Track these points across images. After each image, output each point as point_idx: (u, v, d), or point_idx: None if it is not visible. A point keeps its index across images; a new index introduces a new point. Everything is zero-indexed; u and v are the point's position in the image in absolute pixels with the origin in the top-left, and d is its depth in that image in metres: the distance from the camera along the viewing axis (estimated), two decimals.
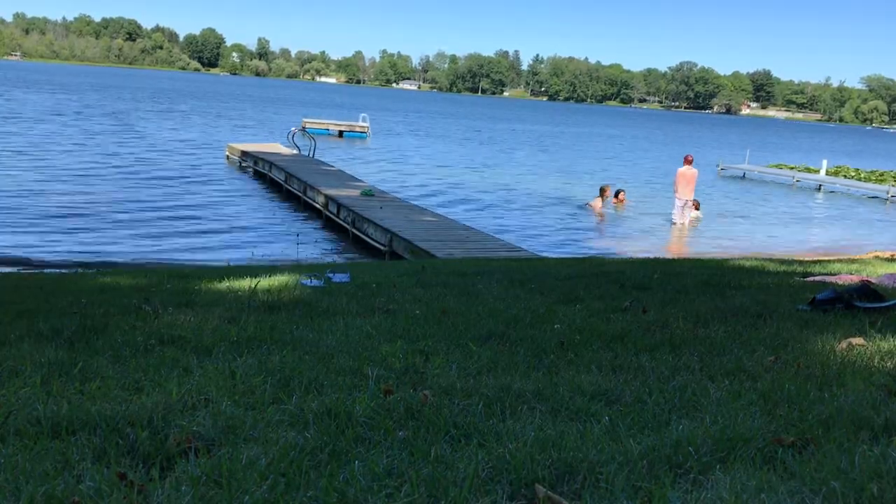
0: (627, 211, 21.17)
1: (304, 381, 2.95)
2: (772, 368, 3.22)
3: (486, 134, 53.77)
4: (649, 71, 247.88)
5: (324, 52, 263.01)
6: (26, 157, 22.82)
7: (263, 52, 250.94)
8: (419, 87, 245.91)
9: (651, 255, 11.91)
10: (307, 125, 36.55)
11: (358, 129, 41.56)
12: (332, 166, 22.47)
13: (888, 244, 16.34)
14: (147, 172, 21.67)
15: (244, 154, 24.55)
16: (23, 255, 11.34)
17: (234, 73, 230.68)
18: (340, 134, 40.48)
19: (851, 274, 6.78)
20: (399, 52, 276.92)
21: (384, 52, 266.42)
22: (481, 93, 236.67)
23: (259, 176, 22.26)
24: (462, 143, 43.08)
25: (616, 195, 22.19)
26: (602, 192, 21.42)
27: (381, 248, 12.71)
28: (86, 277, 7.22)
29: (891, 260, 9.92)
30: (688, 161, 19.14)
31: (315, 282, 6.09)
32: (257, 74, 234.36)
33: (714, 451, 2.21)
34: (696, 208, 20.52)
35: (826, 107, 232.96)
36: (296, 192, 18.44)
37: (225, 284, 5.93)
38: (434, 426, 2.43)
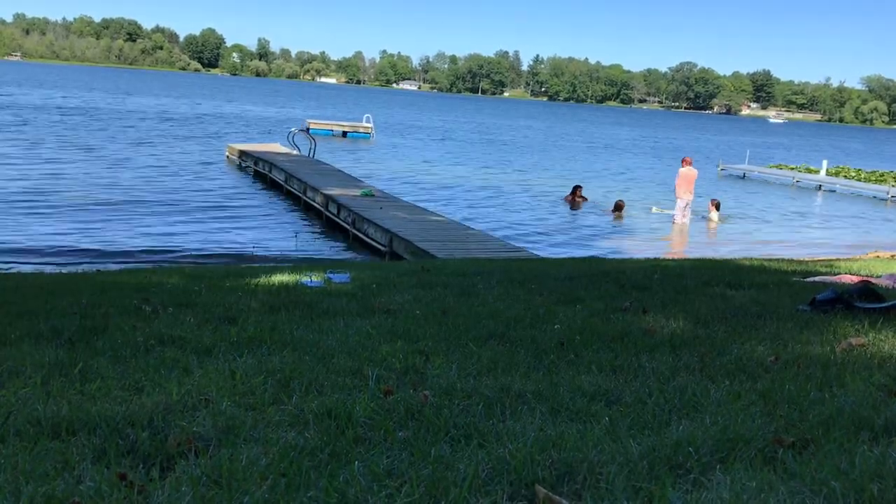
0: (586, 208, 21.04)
1: (304, 381, 2.95)
2: (772, 368, 3.22)
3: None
4: (649, 71, 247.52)
5: (324, 52, 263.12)
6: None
7: (264, 53, 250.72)
8: (419, 88, 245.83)
9: (651, 256, 11.92)
10: (311, 126, 36.64)
11: (361, 129, 41.85)
12: (333, 166, 22.47)
13: (888, 244, 16.33)
14: (145, 171, 21.70)
15: (243, 154, 24.55)
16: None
17: (235, 74, 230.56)
18: (344, 134, 40.68)
19: (852, 274, 6.78)
20: (399, 52, 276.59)
21: (384, 52, 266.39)
22: (481, 93, 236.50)
23: (259, 176, 22.26)
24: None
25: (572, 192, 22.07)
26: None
27: (382, 248, 12.70)
28: (86, 277, 7.22)
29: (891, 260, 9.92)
30: (687, 162, 19.30)
31: (315, 282, 6.10)
32: (257, 75, 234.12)
33: (714, 451, 2.21)
34: (717, 208, 20.35)
35: (826, 107, 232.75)
36: (296, 192, 18.44)
37: (225, 284, 5.93)
38: (434, 427, 2.43)
